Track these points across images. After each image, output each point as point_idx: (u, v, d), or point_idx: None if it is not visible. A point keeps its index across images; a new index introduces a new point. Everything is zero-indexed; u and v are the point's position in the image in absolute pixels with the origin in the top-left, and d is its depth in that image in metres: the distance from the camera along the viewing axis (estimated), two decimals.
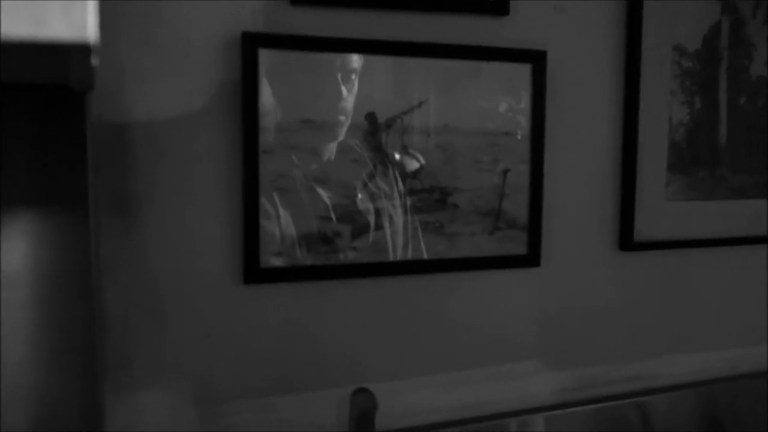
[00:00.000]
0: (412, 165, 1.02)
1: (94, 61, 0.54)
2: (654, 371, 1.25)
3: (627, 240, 1.18)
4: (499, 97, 1.07)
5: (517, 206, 1.09)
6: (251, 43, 0.92)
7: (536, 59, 1.08)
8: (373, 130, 0.99)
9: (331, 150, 0.98)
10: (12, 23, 0.45)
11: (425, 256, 1.04)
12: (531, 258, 1.11)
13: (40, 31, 0.46)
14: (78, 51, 0.49)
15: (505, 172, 1.07)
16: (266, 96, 0.94)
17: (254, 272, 0.96)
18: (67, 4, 0.46)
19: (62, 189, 0.84)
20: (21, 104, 0.81)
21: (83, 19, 0.46)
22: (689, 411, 1.24)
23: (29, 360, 0.84)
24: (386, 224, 1.02)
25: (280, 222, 0.96)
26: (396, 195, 1.02)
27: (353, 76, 0.98)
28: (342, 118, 0.98)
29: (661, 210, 1.20)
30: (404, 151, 1.01)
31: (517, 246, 1.10)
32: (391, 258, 1.02)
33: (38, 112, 0.82)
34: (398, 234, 1.02)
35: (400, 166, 1.01)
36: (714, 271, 1.28)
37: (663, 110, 1.19)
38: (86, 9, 0.46)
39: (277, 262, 0.96)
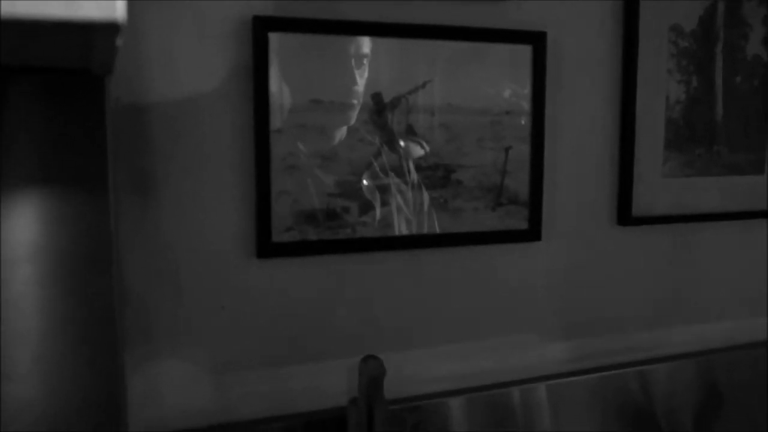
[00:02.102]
0: (417, 152, 1.06)
1: (119, 42, 0.57)
2: (653, 342, 1.28)
3: (625, 215, 1.21)
4: (501, 78, 1.10)
5: (519, 183, 1.12)
6: (261, 27, 0.96)
7: (536, 40, 1.11)
8: (379, 109, 1.03)
9: (339, 129, 1.01)
10: (45, 5, 0.47)
11: (430, 230, 1.08)
12: (532, 233, 1.14)
13: (73, 12, 0.47)
14: (107, 32, 0.51)
15: (507, 149, 1.11)
16: (276, 77, 0.97)
17: (267, 247, 0.99)
18: None
19: (83, 168, 0.86)
20: (43, 87, 0.85)
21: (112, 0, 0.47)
22: (688, 380, 1.27)
23: (52, 332, 0.87)
24: (392, 200, 1.05)
25: (291, 198, 1.00)
26: (402, 172, 1.05)
27: (360, 58, 1.01)
28: (349, 98, 1.01)
29: (658, 186, 1.23)
30: (409, 138, 1.05)
31: (519, 221, 1.13)
32: (397, 233, 1.06)
33: (60, 95, 0.85)
34: (404, 210, 1.06)
35: (405, 151, 1.05)
36: (710, 246, 1.31)
37: (660, 89, 1.22)
38: None
39: (289, 237, 1.00)
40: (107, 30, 0.50)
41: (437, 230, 1.08)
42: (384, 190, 1.05)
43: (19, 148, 0.85)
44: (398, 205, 1.05)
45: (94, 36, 0.56)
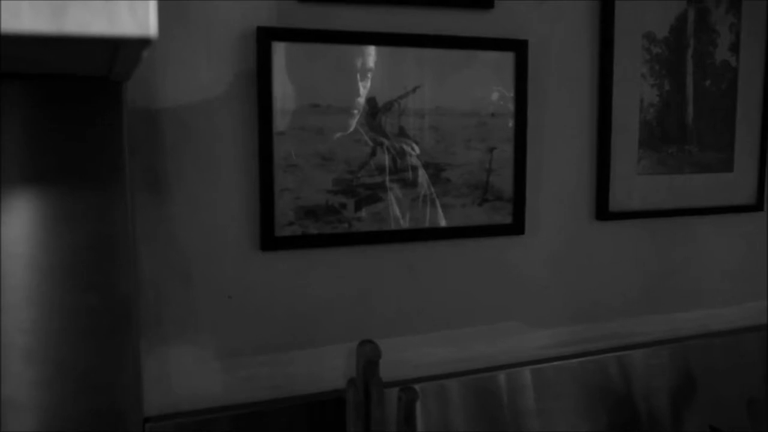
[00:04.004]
0: (408, 152, 1.13)
1: (144, 54, 0.63)
2: (629, 330, 1.35)
3: (603, 210, 1.28)
4: (486, 82, 1.17)
5: (503, 180, 1.20)
6: (265, 37, 1.03)
7: (519, 47, 1.19)
8: (374, 112, 1.11)
9: (337, 131, 1.09)
10: (91, 21, 0.52)
11: (421, 225, 1.15)
12: (516, 227, 1.22)
13: (112, 28, 0.50)
14: (137, 46, 0.55)
15: (492, 149, 1.19)
16: (279, 83, 1.05)
17: (270, 240, 1.06)
18: (134, 3, 0.50)
19: (102, 168, 0.93)
20: (65, 93, 0.90)
21: (146, 15, 0.50)
22: (663, 365, 1.34)
23: (74, 318, 0.93)
24: (386, 197, 1.13)
25: (292, 195, 1.07)
26: (394, 171, 1.13)
27: (355, 65, 1.09)
28: (346, 102, 1.09)
29: (633, 183, 1.30)
30: (401, 139, 1.12)
31: (504, 216, 1.21)
32: (391, 227, 1.14)
33: (81, 100, 0.91)
34: (397, 205, 1.14)
35: (397, 151, 1.12)
36: (682, 239, 1.38)
37: (634, 92, 1.29)
38: (149, 6, 0.50)
39: (291, 231, 1.07)
40: (138, 44, 0.54)
41: (428, 225, 1.16)
42: (378, 187, 1.12)
43: (43, 150, 0.90)
44: (391, 201, 1.13)
45: (122, 48, 0.62)
